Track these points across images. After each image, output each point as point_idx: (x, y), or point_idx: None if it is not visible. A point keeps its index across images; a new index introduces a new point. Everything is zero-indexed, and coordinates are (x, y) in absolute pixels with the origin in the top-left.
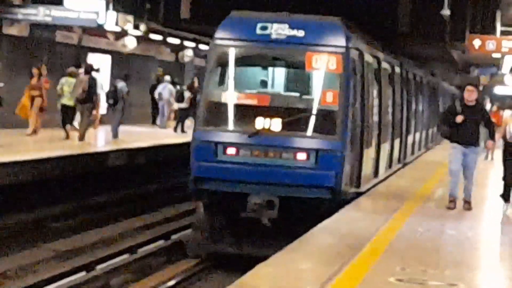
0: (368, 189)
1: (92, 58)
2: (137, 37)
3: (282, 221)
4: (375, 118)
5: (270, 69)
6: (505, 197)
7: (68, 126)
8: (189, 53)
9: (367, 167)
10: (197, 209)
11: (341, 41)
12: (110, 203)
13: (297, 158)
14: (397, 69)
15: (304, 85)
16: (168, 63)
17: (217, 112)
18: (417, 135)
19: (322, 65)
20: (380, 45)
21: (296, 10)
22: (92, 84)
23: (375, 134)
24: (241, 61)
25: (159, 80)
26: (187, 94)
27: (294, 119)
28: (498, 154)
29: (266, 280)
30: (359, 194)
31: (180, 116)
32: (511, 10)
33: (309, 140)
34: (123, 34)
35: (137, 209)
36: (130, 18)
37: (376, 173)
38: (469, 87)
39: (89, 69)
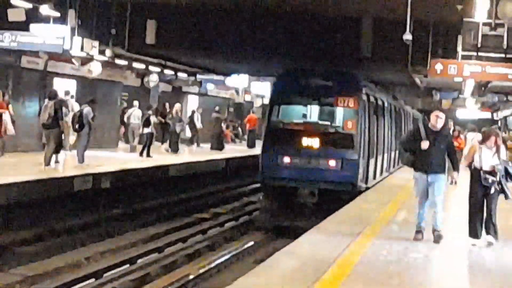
0: (373, 185)
1: (58, 84)
2: (103, 62)
3: (319, 204)
4: (375, 138)
5: (310, 106)
6: (473, 234)
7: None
8: (154, 78)
9: (371, 171)
10: (263, 197)
11: (356, 88)
12: (76, 227)
13: (329, 164)
14: (386, 103)
15: (333, 117)
16: (133, 88)
17: (277, 134)
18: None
19: (344, 104)
20: (376, 88)
21: (260, 31)
22: (58, 109)
23: (375, 150)
24: (292, 102)
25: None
26: (153, 119)
27: (327, 138)
28: (463, 177)
29: None
30: (367, 188)
31: (146, 141)
32: (472, 35)
33: (336, 152)
34: (88, 59)
35: (102, 233)
36: (96, 43)
37: (375, 176)
38: (437, 113)
39: (54, 95)
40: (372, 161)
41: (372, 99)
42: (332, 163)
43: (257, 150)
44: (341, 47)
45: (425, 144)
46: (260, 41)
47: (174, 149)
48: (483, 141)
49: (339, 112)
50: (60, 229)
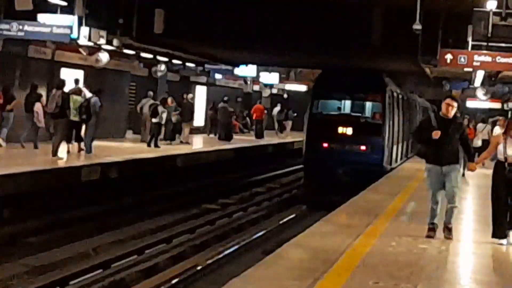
0: (395, 167)
1: (65, 73)
2: (110, 52)
3: (353, 183)
4: (396, 127)
5: (345, 101)
6: (499, 234)
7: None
8: (162, 68)
9: (394, 155)
10: (304, 176)
11: (382, 86)
12: (83, 217)
13: (360, 148)
14: (404, 98)
15: (363, 109)
16: (141, 78)
17: (318, 123)
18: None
19: (373, 99)
20: (397, 84)
21: (270, 21)
22: (66, 99)
23: (397, 137)
24: (329, 97)
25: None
26: (161, 109)
27: (358, 127)
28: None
29: None
30: (391, 169)
31: (154, 131)
32: (482, 25)
33: (366, 138)
34: (96, 49)
35: (109, 224)
36: (103, 33)
37: (396, 160)
38: (448, 100)
39: (62, 84)
40: (394, 147)
41: (394, 94)
42: (363, 147)
43: (265, 140)
44: (351, 36)
45: (436, 134)
46: (269, 31)
47: (170, 138)
48: (506, 132)
49: (368, 105)
50: (68, 219)
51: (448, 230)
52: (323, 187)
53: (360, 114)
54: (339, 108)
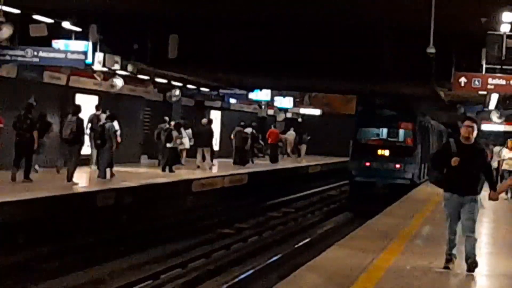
0: (423, 182)
1: (80, 99)
2: (125, 77)
3: (389, 194)
4: (423, 149)
5: (382, 128)
6: None
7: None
8: (176, 92)
9: (421, 173)
10: (350, 189)
11: (412, 116)
12: (98, 242)
13: (395, 167)
14: (429, 125)
15: (397, 135)
16: (156, 103)
17: (361, 147)
18: None
19: (405, 127)
20: (423, 113)
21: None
22: (81, 125)
23: (423, 157)
24: (370, 126)
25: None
26: (174, 134)
27: (394, 150)
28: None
29: None
30: (420, 183)
31: (168, 156)
32: (496, 48)
33: (400, 159)
34: (111, 74)
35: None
36: (118, 58)
37: (423, 176)
38: (468, 122)
39: (77, 110)
40: (421, 166)
41: (422, 123)
42: (397, 166)
43: (279, 165)
44: (362, 60)
45: (455, 162)
46: (281, 56)
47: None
48: None
49: (401, 132)
50: (82, 244)
51: (469, 262)
52: (365, 198)
53: (395, 139)
54: (378, 135)
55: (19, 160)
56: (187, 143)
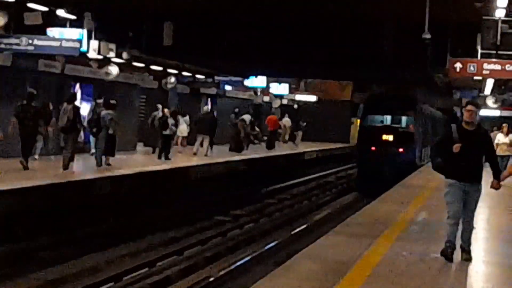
0: (424, 164)
1: (77, 87)
2: (120, 65)
3: (394, 177)
4: (423, 135)
5: (387, 116)
6: None
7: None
8: (171, 80)
9: (421, 156)
10: (357, 172)
11: (414, 104)
12: (95, 231)
13: (399, 151)
14: (427, 111)
15: (400, 122)
16: (151, 90)
17: (367, 132)
18: None
19: (406, 113)
20: (422, 101)
21: (280, 34)
22: (77, 113)
23: (423, 142)
24: (376, 113)
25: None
26: (170, 121)
27: (397, 135)
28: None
29: None
30: (421, 165)
31: (163, 143)
32: (491, 34)
33: (403, 143)
34: (106, 62)
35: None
36: (113, 46)
37: (424, 159)
38: (470, 107)
39: (73, 98)
40: (422, 150)
41: (421, 110)
42: (401, 149)
43: (276, 151)
44: (363, 49)
45: (456, 148)
46: (280, 43)
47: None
48: None
49: (404, 119)
50: (79, 233)
51: (466, 253)
52: (372, 179)
53: (398, 125)
54: (382, 121)
55: (27, 149)
56: (185, 130)
